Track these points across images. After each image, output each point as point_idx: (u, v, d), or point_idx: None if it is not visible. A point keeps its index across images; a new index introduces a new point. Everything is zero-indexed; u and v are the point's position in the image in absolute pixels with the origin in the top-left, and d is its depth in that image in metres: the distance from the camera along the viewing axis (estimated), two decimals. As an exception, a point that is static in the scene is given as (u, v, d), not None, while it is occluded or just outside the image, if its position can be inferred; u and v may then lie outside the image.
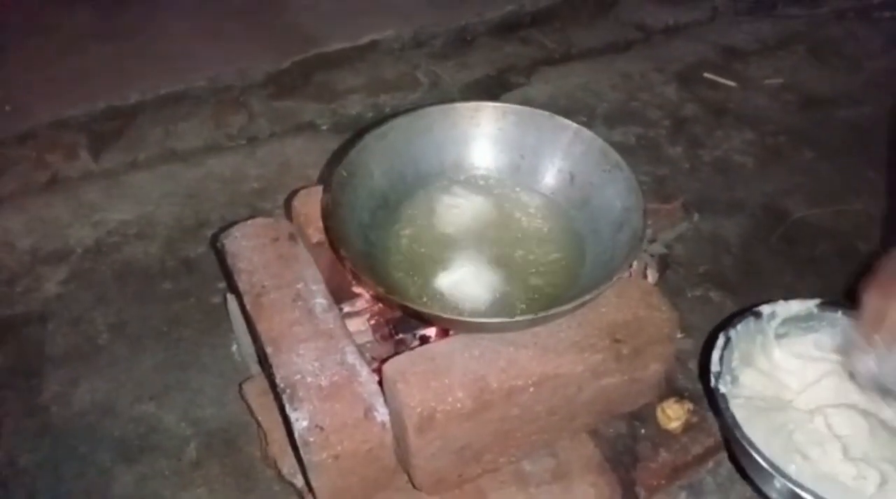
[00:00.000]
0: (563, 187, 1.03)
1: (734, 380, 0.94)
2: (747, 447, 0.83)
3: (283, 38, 2.06)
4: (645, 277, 1.21)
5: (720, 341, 0.95)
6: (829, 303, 1.00)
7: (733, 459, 0.98)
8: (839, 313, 0.98)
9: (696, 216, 1.52)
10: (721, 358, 0.93)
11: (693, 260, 1.44)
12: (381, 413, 0.85)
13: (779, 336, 0.99)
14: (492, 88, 1.97)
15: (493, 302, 0.93)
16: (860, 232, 1.49)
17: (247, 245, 1.03)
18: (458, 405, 0.83)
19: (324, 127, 1.84)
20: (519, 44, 2.15)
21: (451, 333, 0.95)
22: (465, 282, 0.94)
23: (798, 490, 0.79)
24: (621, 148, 0.97)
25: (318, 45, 2.02)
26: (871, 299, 0.82)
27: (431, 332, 1.00)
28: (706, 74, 2.01)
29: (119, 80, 1.88)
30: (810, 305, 1.00)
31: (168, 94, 1.87)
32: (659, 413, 1.05)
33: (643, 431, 1.04)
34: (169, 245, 1.51)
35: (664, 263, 1.36)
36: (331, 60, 2.02)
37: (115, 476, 1.13)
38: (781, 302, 0.99)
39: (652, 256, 1.31)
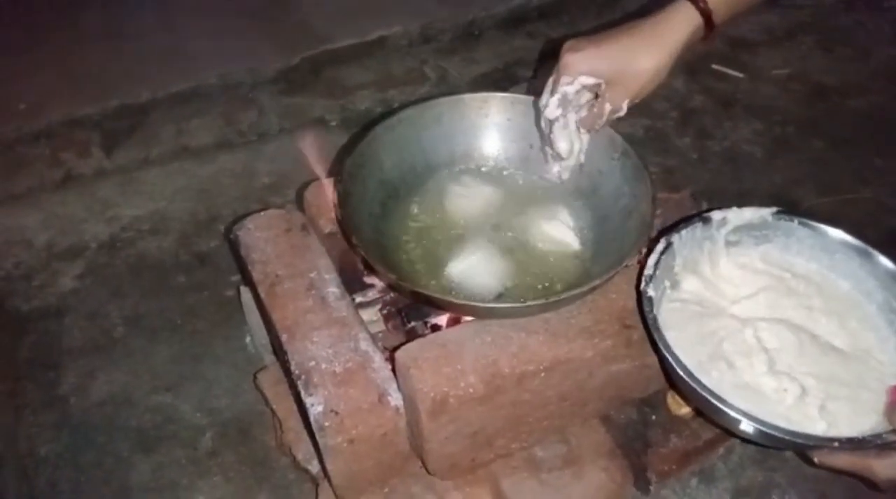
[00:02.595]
0: (572, 176, 1.03)
1: (675, 284, 0.91)
2: (663, 350, 0.80)
3: (292, 34, 2.08)
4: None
5: (660, 246, 0.90)
6: (786, 212, 0.94)
7: (662, 365, 0.93)
8: (795, 223, 0.93)
9: (704, 206, 1.53)
10: (658, 263, 0.88)
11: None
12: (395, 398, 0.86)
13: (730, 244, 0.95)
14: (499, 82, 1.97)
15: (503, 288, 0.94)
16: (870, 221, 1.49)
17: (260, 236, 1.04)
18: (471, 390, 0.84)
19: (333, 123, 1.85)
20: (526, 38, 2.16)
21: (462, 320, 0.97)
22: (475, 269, 0.95)
23: (692, 383, 0.77)
24: (629, 140, 0.97)
25: (327, 42, 2.04)
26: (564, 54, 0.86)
27: (442, 320, 1.01)
28: (714, 66, 2.00)
29: (131, 78, 1.90)
30: (765, 213, 0.94)
31: (179, 92, 1.88)
32: (669, 399, 1.05)
33: (654, 417, 1.04)
34: (182, 239, 1.52)
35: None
36: (339, 57, 2.03)
37: (133, 465, 1.15)
38: (734, 208, 0.94)
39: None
